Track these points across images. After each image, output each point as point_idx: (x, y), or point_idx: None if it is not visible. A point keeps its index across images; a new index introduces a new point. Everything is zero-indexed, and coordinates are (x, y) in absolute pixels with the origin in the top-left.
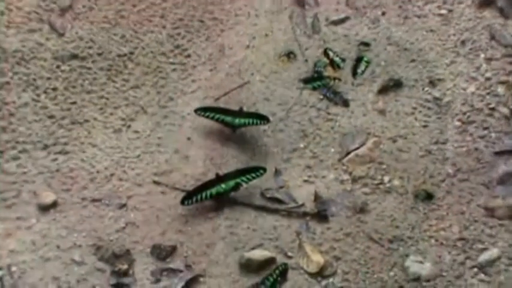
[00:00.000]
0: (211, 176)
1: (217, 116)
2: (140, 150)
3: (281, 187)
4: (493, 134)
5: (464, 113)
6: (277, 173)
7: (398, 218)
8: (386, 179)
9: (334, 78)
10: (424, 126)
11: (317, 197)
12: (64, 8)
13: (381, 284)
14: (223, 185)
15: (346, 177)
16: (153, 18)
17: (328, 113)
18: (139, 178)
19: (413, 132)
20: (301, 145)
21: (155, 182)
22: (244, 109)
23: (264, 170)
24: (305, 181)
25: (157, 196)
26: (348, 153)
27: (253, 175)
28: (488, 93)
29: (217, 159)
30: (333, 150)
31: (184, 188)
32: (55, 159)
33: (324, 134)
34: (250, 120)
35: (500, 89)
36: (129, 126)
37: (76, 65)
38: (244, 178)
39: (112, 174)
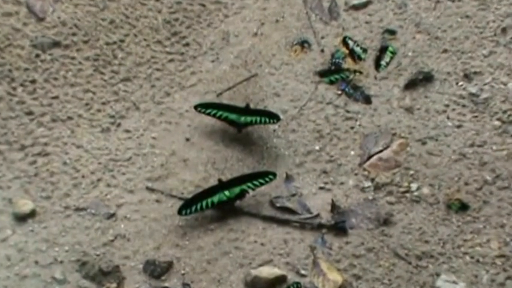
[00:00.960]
0: (213, 182)
1: (220, 113)
2: (132, 152)
3: (293, 195)
4: None
5: (505, 112)
6: (288, 178)
7: (428, 232)
8: (414, 186)
9: (355, 71)
10: (458, 127)
11: (334, 207)
12: None
13: None
14: (226, 193)
15: (367, 184)
16: (147, 2)
17: (348, 111)
18: (131, 184)
19: (445, 133)
20: (316, 147)
21: (149, 189)
22: (251, 106)
23: (274, 175)
24: (320, 188)
25: (151, 205)
26: (370, 156)
27: (261, 181)
28: None
29: (220, 163)
30: (352, 153)
31: (182, 195)
32: (33, 162)
33: (342, 135)
34: (258, 119)
35: None
36: (119, 125)
37: (58, 54)
38: (250, 184)
39: (99, 180)
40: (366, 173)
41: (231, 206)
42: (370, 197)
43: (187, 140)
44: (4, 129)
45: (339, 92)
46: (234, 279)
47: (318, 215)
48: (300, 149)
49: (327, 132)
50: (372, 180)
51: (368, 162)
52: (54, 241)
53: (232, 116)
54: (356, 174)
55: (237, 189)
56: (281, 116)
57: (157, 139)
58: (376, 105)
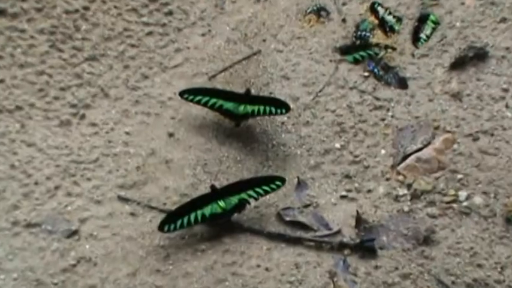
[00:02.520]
0: (203, 189)
1: (212, 101)
2: (99, 151)
3: (306, 206)
4: None
5: None
6: (300, 185)
7: (481, 253)
8: (462, 195)
9: (386, 47)
10: None
11: (360, 221)
12: None
13: None
14: (221, 203)
15: (402, 191)
16: None
17: (377, 98)
18: (98, 192)
19: (503, 127)
20: (337, 145)
21: (121, 198)
22: (253, 92)
23: (282, 181)
24: (342, 197)
25: (125, 219)
26: (406, 156)
27: (266, 188)
28: None
29: (212, 165)
30: (383, 152)
31: (164, 207)
32: None
33: (370, 129)
34: (262, 108)
35: None
36: (82, 117)
37: (3, 26)
38: (252, 193)
39: (57, 187)
40: (400, 177)
41: (227, 220)
42: (406, 209)
43: (171, 135)
44: None
45: (366, 74)
46: None
47: (338, 232)
48: (316, 147)
49: (350, 125)
50: (409, 186)
51: (403, 164)
52: None
53: (229, 105)
54: (388, 180)
55: (234, 199)
56: (291, 105)
57: (132, 135)
58: (413, 91)
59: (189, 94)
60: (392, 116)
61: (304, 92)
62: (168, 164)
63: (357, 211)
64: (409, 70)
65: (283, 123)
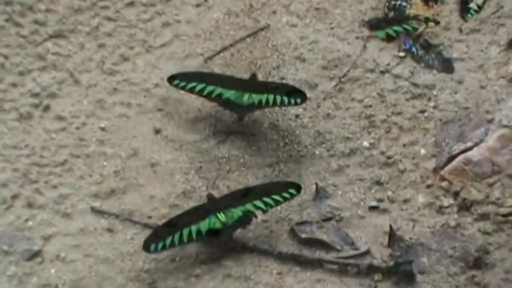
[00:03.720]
0: (198, 199)
1: (209, 89)
2: (68, 152)
3: (327, 219)
4: None
5: None
6: (319, 193)
7: None
8: None
9: (427, 20)
10: None
11: (394, 239)
12: None
13: None
14: (221, 216)
15: (447, 201)
16: None
17: (415, 84)
18: (67, 203)
19: None
20: (365, 143)
21: (95, 211)
22: (260, 77)
23: (297, 188)
24: (372, 209)
25: (100, 236)
26: (452, 157)
27: (277, 198)
28: None
29: (209, 169)
30: (423, 152)
31: (148, 221)
32: None
33: (406, 123)
34: (271, 98)
35: None
36: (46, 108)
37: None
38: (259, 204)
39: (15, 197)
40: (444, 184)
41: (229, 237)
42: (453, 223)
43: (157, 132)
44: None
45: (401, 54)
46: None
47: (367, 252)
48: (339, 146)
49: (381, 118)
50: (455, 195)
51: (448, 167)
52: None
53: (230, 94)
54: (429, 186)
55: (237, 211)
56: (308, 94)
57: (109, 131)
58: (461, 75)
59: (180, 80)
60: (434, 107)
61: (324, 76)
62: (154, 168)
63: (390, 226)
64: (455, 49)
65: (297, 116)
